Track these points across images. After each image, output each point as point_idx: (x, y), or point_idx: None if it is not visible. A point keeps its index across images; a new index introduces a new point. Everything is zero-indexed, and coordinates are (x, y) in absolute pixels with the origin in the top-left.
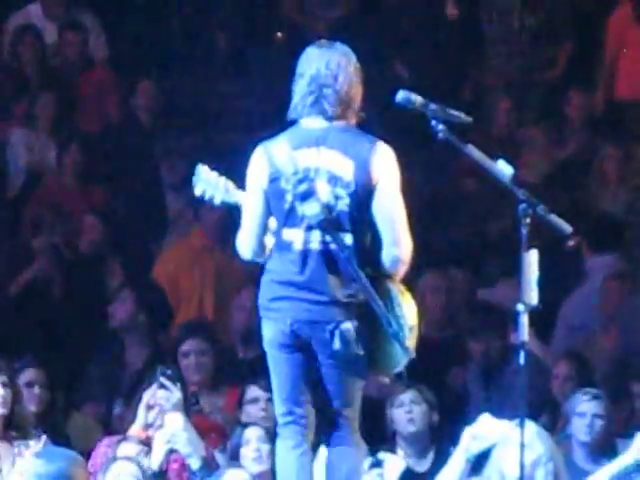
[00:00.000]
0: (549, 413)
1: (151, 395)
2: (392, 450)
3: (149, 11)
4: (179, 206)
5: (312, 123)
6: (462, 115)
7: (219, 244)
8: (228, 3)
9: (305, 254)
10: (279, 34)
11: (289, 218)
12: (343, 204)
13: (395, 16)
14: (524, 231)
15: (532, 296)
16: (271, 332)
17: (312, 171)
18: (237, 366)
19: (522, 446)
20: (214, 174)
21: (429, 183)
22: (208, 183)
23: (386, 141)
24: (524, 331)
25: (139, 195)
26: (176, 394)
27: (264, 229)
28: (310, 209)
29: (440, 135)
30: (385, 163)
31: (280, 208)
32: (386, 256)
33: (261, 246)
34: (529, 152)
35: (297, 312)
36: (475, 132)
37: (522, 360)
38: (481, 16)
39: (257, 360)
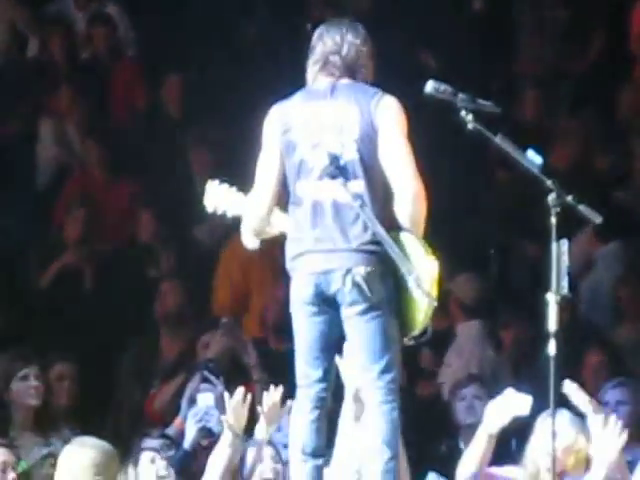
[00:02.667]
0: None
1: (194, 388)
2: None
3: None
4: None
5: (320, 83)
6: (491, 105)
7: None
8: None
9: (317, 205)
10: (308, 26)
11: (300, 171)
12: (350, 152)
13: (422, 6)
14: (553, 221)
15: (563, 285)
16: (295, 290)
17: (319, 122)
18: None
19: (554, 434)
20: (224, 187)
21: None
22: (219, 198)
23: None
24: (554, 320)
25: (171, 186)
26: (219, 388)
27: (277, 187)
28: (318, 159)
29: (469, 125)
30: (388, 110)
31: (292, 161)
32: (397, 202)
33: (269, 211)
34: (560, 142)
35: (314, 264)
36: (504, 122)
37: (552, 350)
38: (512, 6)
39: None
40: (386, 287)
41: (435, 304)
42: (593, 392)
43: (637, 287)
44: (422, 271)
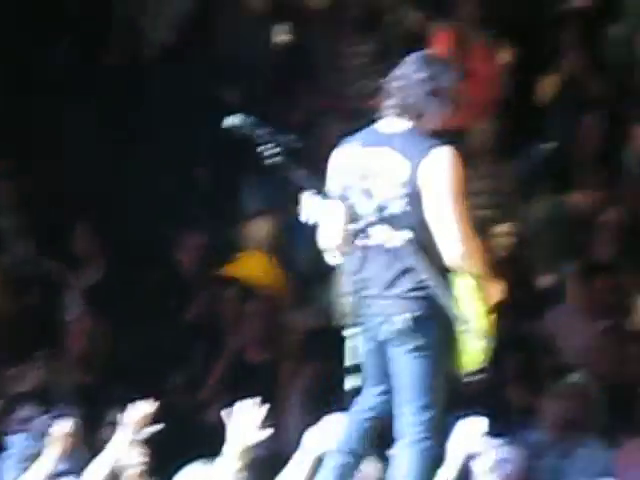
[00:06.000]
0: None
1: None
2: None
3: None
4: None
5: (385, 124)
6: (292, 139)
7: None
8: None
9: (364, 251)
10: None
11: (352, 215)
12: (399, 204)
13: (224, 39)
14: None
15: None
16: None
17: (373, 170)
18: None
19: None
20: (317, 199)
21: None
22: (312, 209)
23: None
24: (350, 356)
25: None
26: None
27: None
28: (367, 207)
29: (272, 160)
30: (437, 165)
31: (345, 204)
32: (444, 255)
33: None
34: None
35: (361, 307)
36: (306, 157)
37: (348, 385)
38: (314, 40)
39: None
40: (432, 331)
41: (484, 347)
42: None
43: None
44: (472, 314)
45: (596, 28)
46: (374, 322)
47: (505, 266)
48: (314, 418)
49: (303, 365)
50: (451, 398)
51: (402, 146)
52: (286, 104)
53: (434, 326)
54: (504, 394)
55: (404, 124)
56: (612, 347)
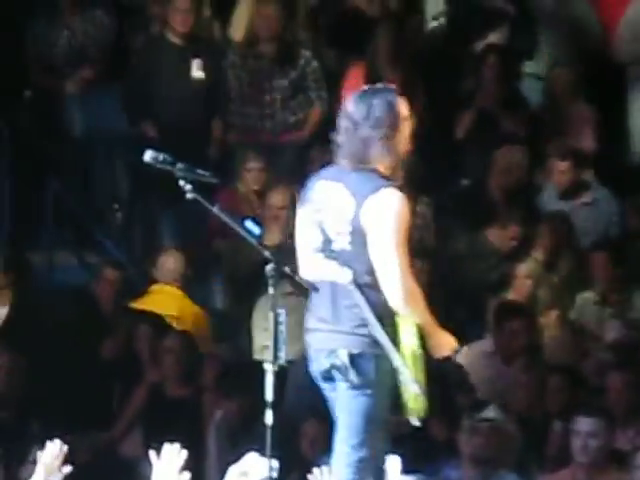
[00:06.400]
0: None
1: None
2: None
3: None
4: None
5: (340, 161)
6: (209, 175)
7: None
8: None
9: (318, 285)
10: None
11: (309, 246)
12: (343, 241)
13: (141, 76)
14: (271, 291)
15: (281, 355)
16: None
17: (325, 204)
18: None
19: None
20: None
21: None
22: None
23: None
24: (271, 390)
25: None
26: None
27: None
28: (316, 241)
29: (188, 195)
30: (381, 207)
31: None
32: (387, 296)
33: None
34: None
35: (314, 341)
36: (224, 192)
37: (269, 419)
38: (227, 75)
39: None
40: (371, 370)
41: (420, 392)
42: (312, 461)
43: None
44: (408, 358)
45: (511, 64)
46: (319, 356)
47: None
48: (236, 453)
49: (223, 400)
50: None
51: (353, 183)
52: (202, 139)
53: (373, 365)
54: (425, 430)
55: (361, 164)
56: (527, 383)
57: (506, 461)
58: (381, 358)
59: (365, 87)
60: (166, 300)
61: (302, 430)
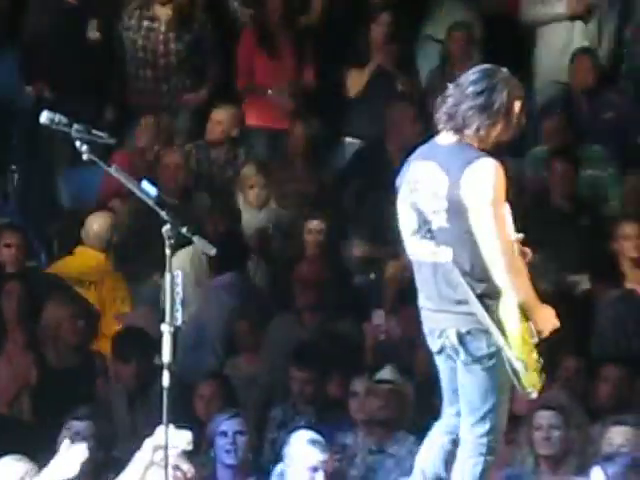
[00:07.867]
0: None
1: None
2: None
3: None
4: None
5: (440, 137)
6: (106, 135)
7: None
8: None
9: (419, 265)
10: None
11: (409, 227)
12: (440, 219)
13: (37, 36)
14: (168, 252)
15: (177, 317)
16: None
17: (419, 184)
18: None
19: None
20: None
21: None
22: None
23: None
24: (168, 352)
25: None
26: None
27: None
28: (414, 222)
29: (84, 156)
30: (475, 179)
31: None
32: (490, 269)
33: None
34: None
35: (425, 320)
36: (120, 152)
37: (166, 381)
38: (122, 39)
39: None
40: (488, 344)
41: (525, 370)
42: (206, 422)
43: (253, 320)
44: (512, 338)
45: (406, 24)
46: (433, 336)
47: (321, 263)
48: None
49: (122, 365)
50: None
51: (444, 159)
52: (99, 100)
53: (485, 341)
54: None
55: (451, 137)
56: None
57: (403, 423)
58: (491, 333)
59: (485, 65)
60: (86, 263)
61: (197, 391)
